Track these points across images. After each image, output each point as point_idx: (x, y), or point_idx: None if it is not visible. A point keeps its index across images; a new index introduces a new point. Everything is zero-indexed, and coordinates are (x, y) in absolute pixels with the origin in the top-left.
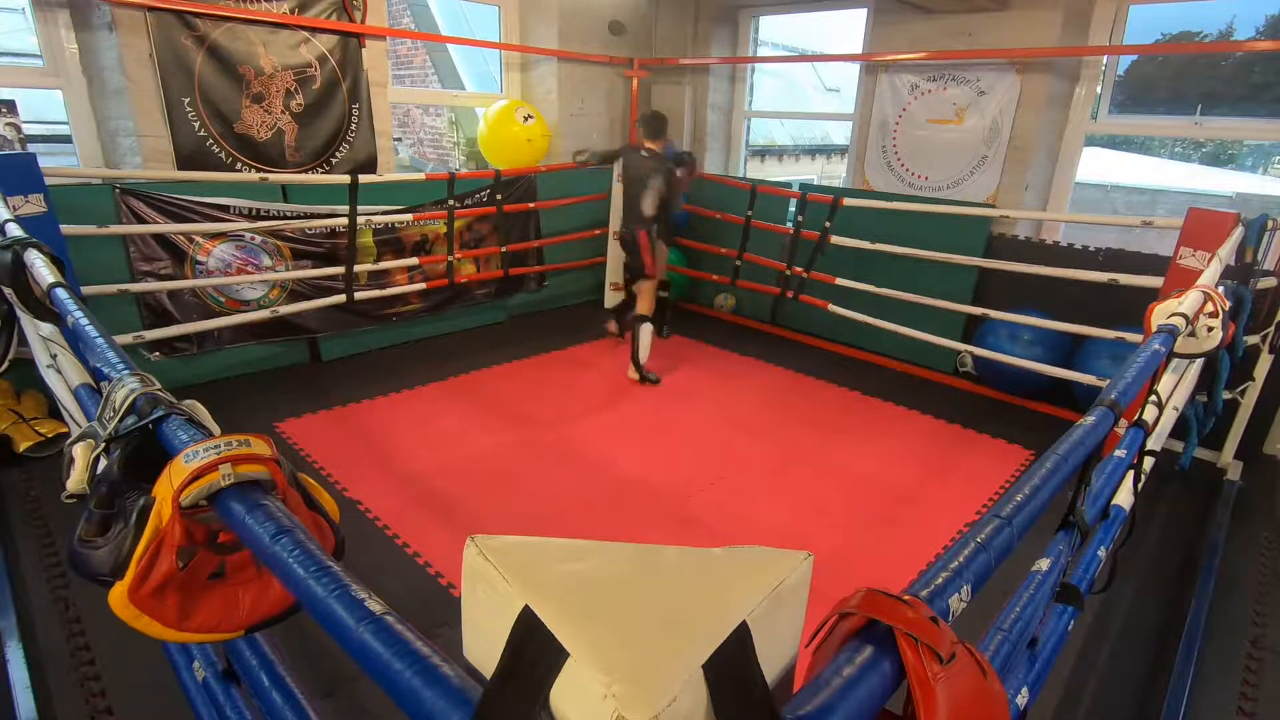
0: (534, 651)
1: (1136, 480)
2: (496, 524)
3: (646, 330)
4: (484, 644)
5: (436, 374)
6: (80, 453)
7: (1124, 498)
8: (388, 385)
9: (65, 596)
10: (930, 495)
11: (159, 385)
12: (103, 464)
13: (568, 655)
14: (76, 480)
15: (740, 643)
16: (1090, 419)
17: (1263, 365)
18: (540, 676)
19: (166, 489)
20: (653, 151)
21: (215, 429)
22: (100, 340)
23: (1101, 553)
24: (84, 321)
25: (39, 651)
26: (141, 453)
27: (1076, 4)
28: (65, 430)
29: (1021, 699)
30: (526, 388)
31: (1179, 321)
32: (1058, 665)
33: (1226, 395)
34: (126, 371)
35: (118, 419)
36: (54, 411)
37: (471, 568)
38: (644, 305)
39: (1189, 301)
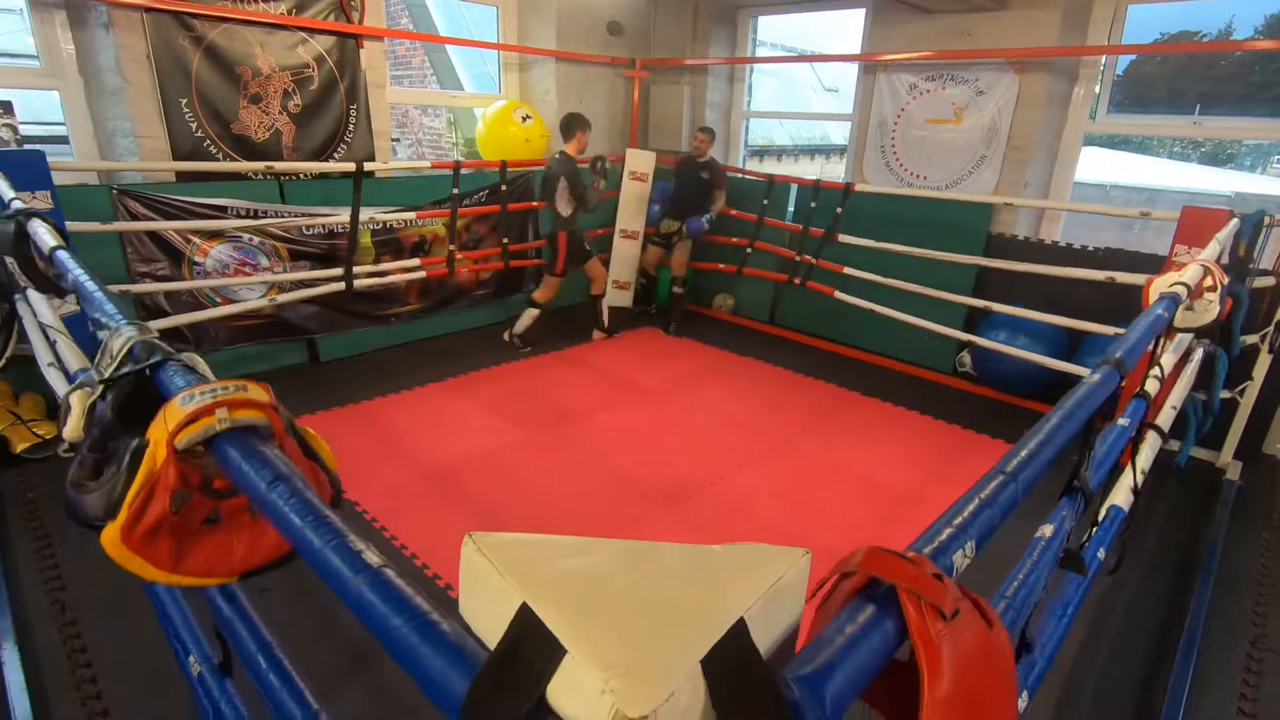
0: (531, 648)
1: (1134, 454)
2: (494, 524)
3: (531, 315)
4: (481, 640)
5: (436, 374)
6: (77, 400)
7: (1125, 490)
8: (386, 385)
9: (62, 599)
10: (930, 495)
11: (156, 334)
12: (99, 408)
13: (565, 651)
14: (73, 428)
15: (738, 638)
16: (1095, 377)
17: (1261, 365)
18: (538, 672)
19: (161, 431)
20: (564, 154)
21: (213, 379)
22: (99, 294)
23: (1101, 554)
24: (84, 278)
25: (35, 653)
26: (137, 398)
27: (1075, 3)
28: None
29: (1021, 703)
30: (526, 388)
31: (1180, 290)
32: (1058, 664)
33: (1225, 395)
34: (124, 321)
35: (114, 365)
36: (52, 413)
37: (469, 565)
38: (540, 295)
39: (1189, 273)
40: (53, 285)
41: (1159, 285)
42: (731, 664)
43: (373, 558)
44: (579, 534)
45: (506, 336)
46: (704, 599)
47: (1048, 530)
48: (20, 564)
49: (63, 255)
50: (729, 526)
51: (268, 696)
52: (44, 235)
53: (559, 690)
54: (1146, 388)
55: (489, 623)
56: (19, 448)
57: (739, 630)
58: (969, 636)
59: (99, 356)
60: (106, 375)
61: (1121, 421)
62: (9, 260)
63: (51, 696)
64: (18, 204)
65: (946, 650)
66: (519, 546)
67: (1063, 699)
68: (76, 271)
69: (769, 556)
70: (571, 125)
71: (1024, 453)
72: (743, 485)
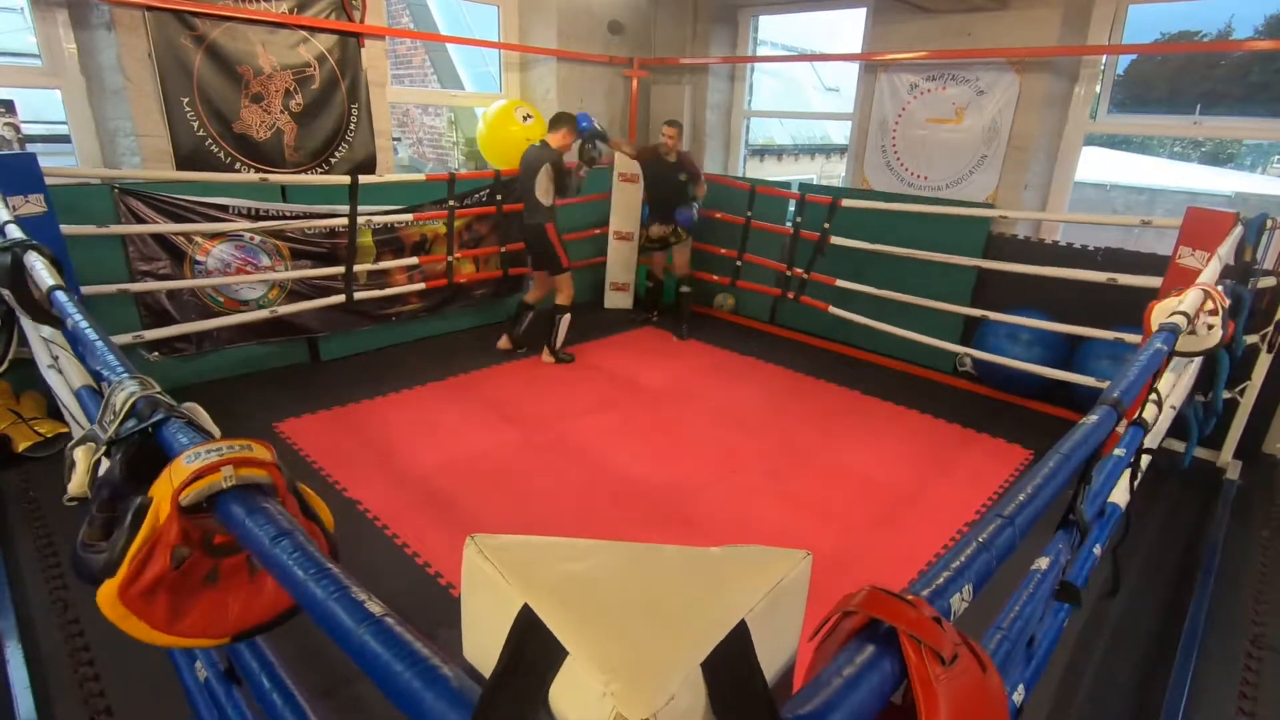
0: (533, 650)
1: (1133, 478)
2: (496, 524)
3: (566, 321)
4: (483, 643)
5: (436, 374)
6: (81, 456)
7: (1120, 495)
8: (387, 385)
9: (64, 597)
10: (930, 495)
11: (158, 388)
12: (104, 467)
13: (566, 654)
14: (77, 484)
15: (739, 641)
16: (1093, 418)
17: (1262, 364)
18: (539, 675)
19: (166, 489)
20: (544, 143)
21: (216, 431)
22: (100, 344)
23: (1097, 550)
24: (83, 325)
25: (38, 652)
26: (142, 456)
27: (1075, 3)
28: (65, 430)
29: (1018, 696)
30: (526, 388)
31: (1180, 320)
32: (1058, 664)
33: (1226, 395)
34: (126, 375)
35: (118, 422)
36: (53, 412)
37: (471, 567)
38: (563, 297)
39: (1189, 300)
40: (50, 318)
41: (1159, 312)
42: (732, 667)
43: (375, 607)
44: (579, 534)
45: (546, 358)
46: (705, 601)
47: (1043, 563)
48: (23, 562)
49: (61, 297)
50: (729, 527)
51: (263, 701)
52: (41, 272)
53: (560, 692)
54: (1144, 415)
55: (491, 624)
56: (21, 446)
57: (740, 633)
58: (966, 682)
59: (101, 410)
60: (110, 433)
61: (1118, 452)
62: (5, 292)
63: (54, 695)
64: (12, 229)
65: (944, 695)
66: (520, 548)
67: (1063, 698)
68: (76, 317)
69: (770, 558)
70: (560, 120)
71: (1021, 496)
72: (743, 485)
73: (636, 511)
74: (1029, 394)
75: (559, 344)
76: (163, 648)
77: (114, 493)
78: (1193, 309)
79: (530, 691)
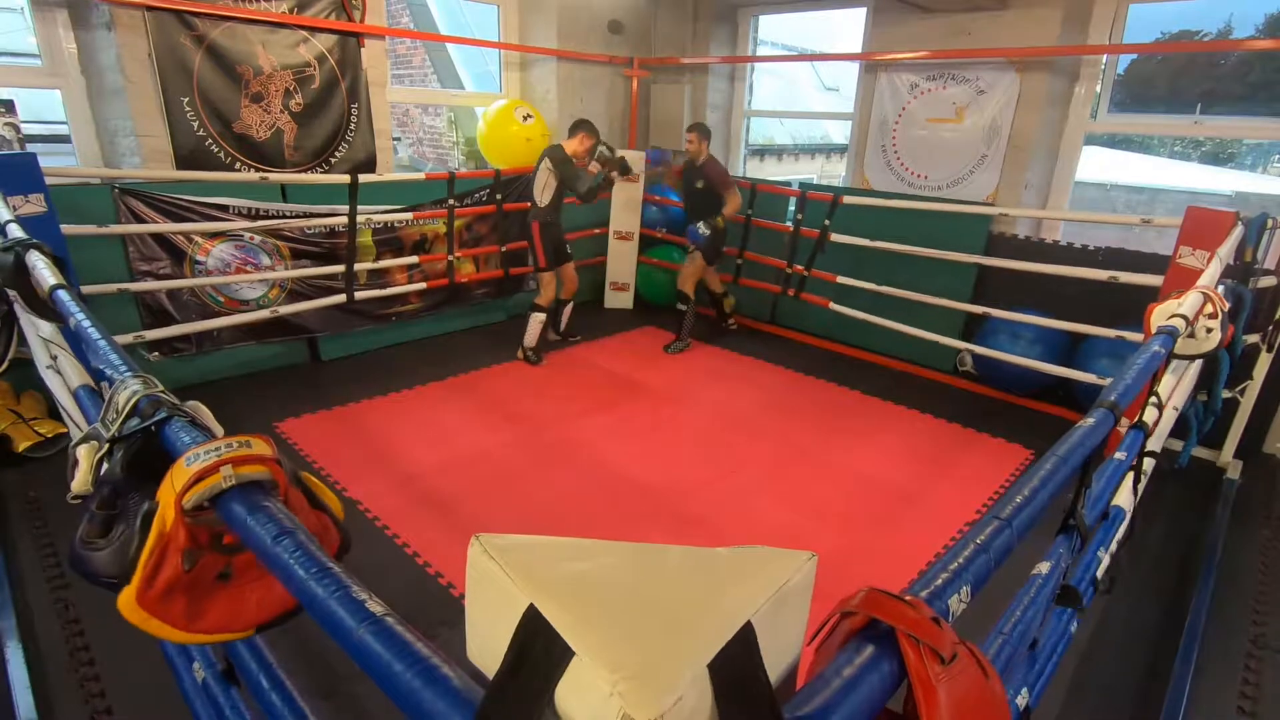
0: (539, 650)
1: (1136, 481)
2: (496, 524)
3: (534, 320)
4: (488, 642)
5: (436, 374)
6: (84, 454)
7: (1124, 499)
8: (387, 385)
9: (65, 597)
10: (930, 495)
11: (161, 387)
12: (106, 466)
13: (573, 654)
14: (81, 482)
15: (745, 642)
16: (1090, 420)
17: (1262, 364)
18: (545, 674)
19: (169, 492)
20: (558, 145)
21: (218, 430)
22: (102, 342)
23: (1101, 553)
24: (86, 323)
25: (38, 651)
26: (144, 454)
27: (1076, 3)
28: (64, 430)
29: (1022, 700)
30: (526, 387)
31: (1179, 323)
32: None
33: (1226, 394)
34: (129, 373)
35: (120, 420)
36: (53, 412)
37: (476, 566)
38: (540, 297)
39: (1189, 303)
40: (55, 315)
41: (1159, 315)
42: (738, 668)
43: (375, 607)
44: (580, 534)
45: (520, 355)
46: (711, 602)
47: (1044, 568)
48: (23, 562)
49: (63, 295)
50: (730, 526)
51: (262, 702)
52: (43, 271)
53: (567, 692)
54: (1144, 417)
55: (496, 625)
56: (21, 446)
57: (746, 634)
58: (966, 682)
59: (104, 409)
60: (113, 432)
61: (1118, 456)
62: (9, 291)
63: (54, 694)
64: (13, 228)
65: (944, 694)
66: (526, 548)
67: (1063, 698)
68: (79, 315)
69: (775, 560)
70: (575, 126)
71: (1019, 498)
72: (743, 485)
73: (637, 511)
74: (1029, 394)
75: (526, 342)
76: (162, 647)
77: (115, 491)
78: (1192, 312)
79: (536, 691)
